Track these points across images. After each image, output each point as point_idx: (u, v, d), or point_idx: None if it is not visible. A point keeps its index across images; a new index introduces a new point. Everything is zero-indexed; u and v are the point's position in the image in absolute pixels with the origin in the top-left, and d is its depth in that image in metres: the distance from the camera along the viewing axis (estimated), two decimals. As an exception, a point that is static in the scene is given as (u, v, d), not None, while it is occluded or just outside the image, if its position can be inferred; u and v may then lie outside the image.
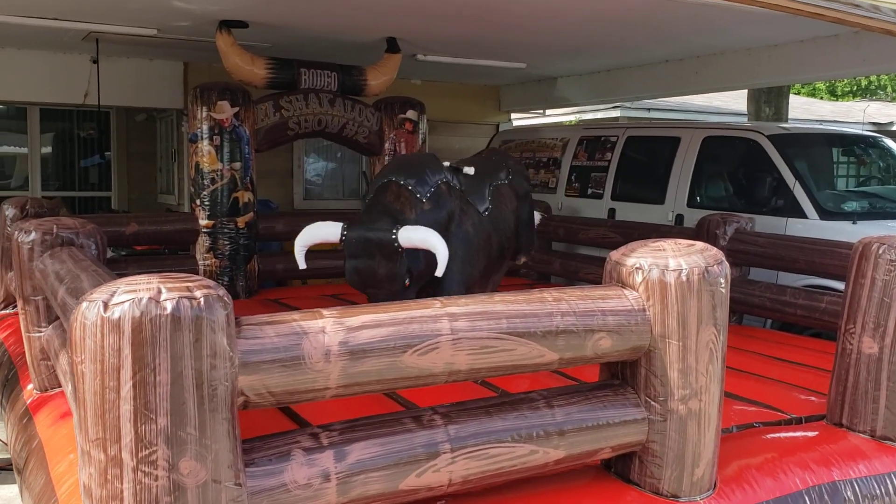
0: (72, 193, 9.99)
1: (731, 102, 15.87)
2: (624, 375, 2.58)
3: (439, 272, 3.80)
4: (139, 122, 9.97)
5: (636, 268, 2.47)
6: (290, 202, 9.23)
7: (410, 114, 6.92)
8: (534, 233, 5.22)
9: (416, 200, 4.10)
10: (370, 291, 3.97)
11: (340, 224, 3.94)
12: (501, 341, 2.23)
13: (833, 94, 24.97)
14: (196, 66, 8.38)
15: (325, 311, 2.08)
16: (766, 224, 5.93)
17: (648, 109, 13.49)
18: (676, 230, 6.10)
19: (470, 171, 4.65)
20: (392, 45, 6.83)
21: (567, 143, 8.10)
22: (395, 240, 3.77)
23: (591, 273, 6.67)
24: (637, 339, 2.44)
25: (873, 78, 24.04)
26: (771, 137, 6.33)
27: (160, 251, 6.87)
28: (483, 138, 9.87)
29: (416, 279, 4.03)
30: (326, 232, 3.97)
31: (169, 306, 1.81)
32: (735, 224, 5.53)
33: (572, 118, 14.04)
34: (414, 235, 3.78)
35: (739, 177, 6.64)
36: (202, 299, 1.85)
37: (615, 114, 13.02)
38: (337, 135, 6.69)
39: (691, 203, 6.73)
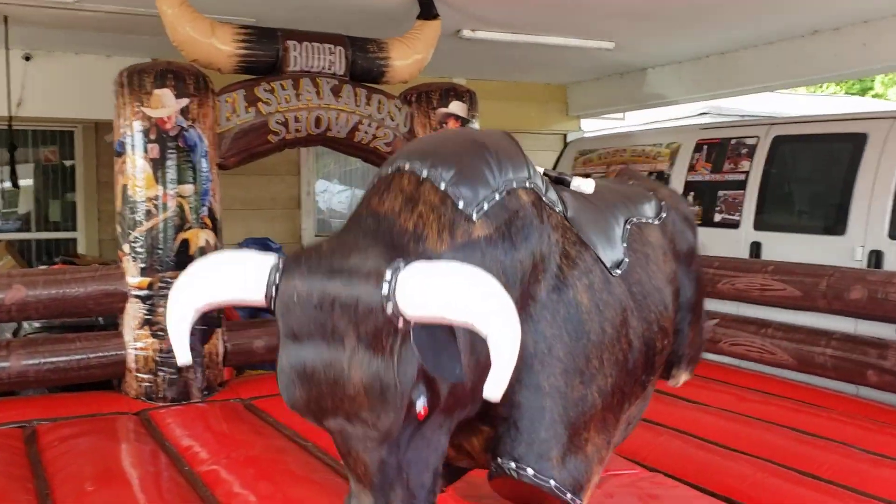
0: (27, 235, 7.93)
1: (831, 106, 13.39)
2: None
3: (492, 392, 1.39)
4: (109, 144, 7.89)
5: None
6: (297, 240, 7.15)
7: (455, 107, 4.65)
8: (702, 330, 2.64)
9: (454, 214, 1.71)
10: (331, 426, 1.50)
11: (272, 258, 1.50)
12: None
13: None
14: (168, 63, 6.32)
15: None
16: None
17: (742, 116, 11.10)
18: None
19: (587, 186, 2.25)
20: (426, 9, 4.65)
21: (678, 151, 5.79)
22: (390, 298, 1.42)
23: (740, 344, 4.37)
24: None
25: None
26: None
27: (93, 321, 4.64)
28: (548, 152, 7.71)
29: (448, 407, 1.60)
30: (234, 278, 1.48)
31: None
32: None
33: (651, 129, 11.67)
34: (440, 288, 1.41)
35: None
36: None
37: (704, 120, 10.63)
38: (345, 140, 4.44)
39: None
